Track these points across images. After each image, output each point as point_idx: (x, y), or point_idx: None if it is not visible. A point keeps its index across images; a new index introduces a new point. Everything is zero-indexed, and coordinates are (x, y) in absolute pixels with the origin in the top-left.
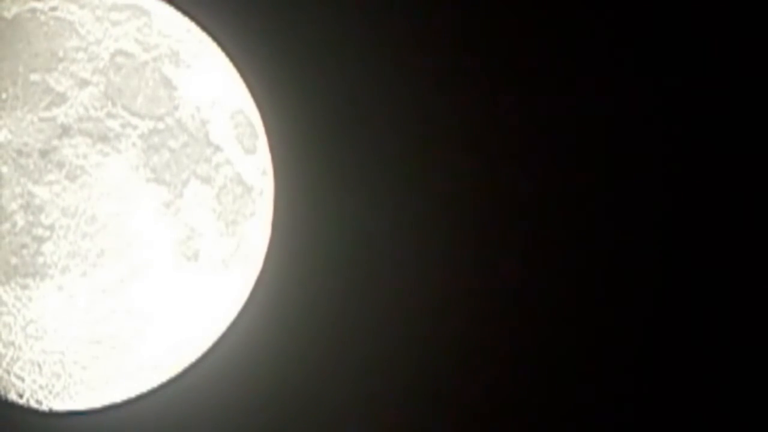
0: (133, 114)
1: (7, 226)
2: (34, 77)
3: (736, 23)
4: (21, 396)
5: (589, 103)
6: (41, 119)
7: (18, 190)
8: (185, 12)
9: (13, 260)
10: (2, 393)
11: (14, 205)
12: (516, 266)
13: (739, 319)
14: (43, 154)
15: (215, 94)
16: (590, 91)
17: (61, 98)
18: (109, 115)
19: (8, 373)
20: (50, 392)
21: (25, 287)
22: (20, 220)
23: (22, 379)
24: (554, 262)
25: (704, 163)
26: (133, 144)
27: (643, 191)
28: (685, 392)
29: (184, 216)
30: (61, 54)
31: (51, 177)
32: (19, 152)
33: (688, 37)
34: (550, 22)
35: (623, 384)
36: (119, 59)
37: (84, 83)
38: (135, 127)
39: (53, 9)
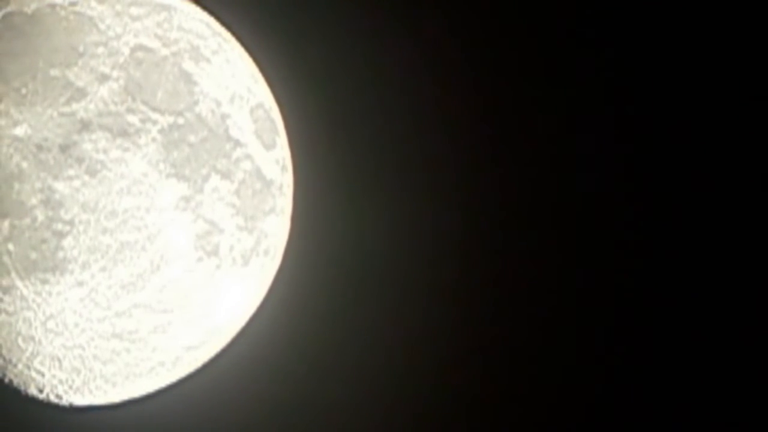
0: (153, 109)
1: (27, 221)
2: (54, 72)
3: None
4: (41, 391)
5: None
6: (61, 114)
7: (38, 185)
8: (205, 7)
9: (33, 255)
10: (22, 388)
11: (34, 200)
12: (523, 266)
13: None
14: (63, 149)
15: (235, 90)
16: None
17: (81, 93)
18: (129, 110)
19: (28, 367)
20: (70, 387)
21: (45, 282)
22: (40, 215)
23: (42, 374)
24: (557, 262)
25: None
26: (153, 139)
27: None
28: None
29: (204, 211)
30: (81, 49)
31: (71, 172)
32: (39, 147)
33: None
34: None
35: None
36: (139, 54)
37: (104, 78)
38: (155, 122)
39: (73, 4)
